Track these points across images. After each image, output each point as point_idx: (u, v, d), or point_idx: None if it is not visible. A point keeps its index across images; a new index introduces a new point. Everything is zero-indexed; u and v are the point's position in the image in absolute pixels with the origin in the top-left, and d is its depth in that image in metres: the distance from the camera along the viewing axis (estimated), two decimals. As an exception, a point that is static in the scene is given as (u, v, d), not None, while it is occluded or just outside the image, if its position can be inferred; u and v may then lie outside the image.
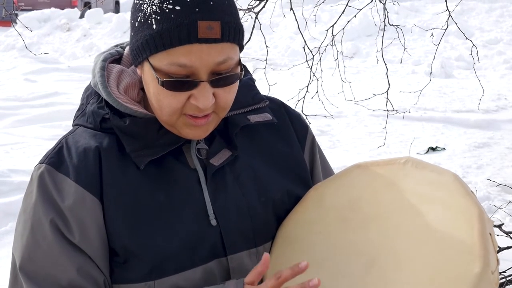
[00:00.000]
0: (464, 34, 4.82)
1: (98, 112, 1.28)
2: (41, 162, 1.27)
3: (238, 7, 1.37)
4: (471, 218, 1.13)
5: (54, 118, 7.83)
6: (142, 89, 1.31)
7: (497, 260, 1.13)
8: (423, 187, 1.23)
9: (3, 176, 5.64)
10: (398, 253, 1.17)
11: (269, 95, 1.52)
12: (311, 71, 4.51)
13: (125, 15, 14.29)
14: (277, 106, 1.44)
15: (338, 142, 7.36)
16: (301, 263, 1.15)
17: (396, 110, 5.09)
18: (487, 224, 1.13)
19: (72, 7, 17.59)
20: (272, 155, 1.38)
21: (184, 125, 1.23)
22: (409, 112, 7.33)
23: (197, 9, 1.14)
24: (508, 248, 4.09)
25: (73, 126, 1.34)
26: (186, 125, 1.22)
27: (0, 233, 4.61)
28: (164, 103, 1.19)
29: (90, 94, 1.33)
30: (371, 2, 4.67)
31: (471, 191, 1.20)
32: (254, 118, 1.35)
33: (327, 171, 1.51)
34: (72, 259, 1.21)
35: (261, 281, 1.21)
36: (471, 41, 4.71)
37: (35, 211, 1.23)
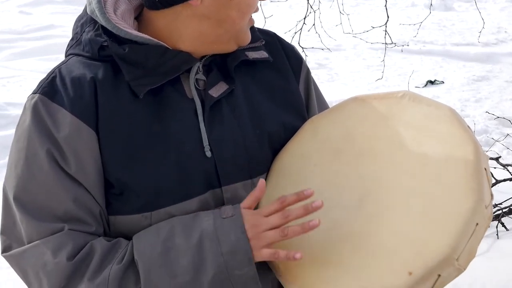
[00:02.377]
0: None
1: (95, 40, 1.26)
2: (34, 92, 1.25)
3: None
4: (466, 153, 1.12)
5: (50, 51, 7.77)
6: (136, 18, 1.30)
7: (491, 195, 1.13)
8: (419, 121, 1.22)
9: (0, 110, 5.64)
10: (391, 187, 1.17)
11: (265, 27, 1.51)
12: (308, 2, 4.45)
13: None
14: (271, 38, 1.43)
15: (336, 76, 7.32)
16: (306, 190, 1.18)
17: (395, 43, 5.05)
18: (482, 159, 1.12)
19: None
20: (268, 88, 1.38)
21: (247, 27, 1.31)
22: (408, 45, 7.26)
23: None
24: (504, 180, 4.11)
25: (66, 56, 1.32)
26: (247, 27, 1.31)
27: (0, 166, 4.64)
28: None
29: (85, 22, 1.30)
30: None
31: (468, 126, 1.19)
32: (252, 54, 1.35)
33: (322, 104, 1.51)
34: (68, 190, 1.21)
35: (256, 208, 1.23)
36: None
37: (29, 141, 1.22)
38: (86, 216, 1.23)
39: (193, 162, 1.25)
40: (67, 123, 1.21)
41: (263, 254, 1.18)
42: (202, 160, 1.26)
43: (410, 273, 1.06)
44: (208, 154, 1.26)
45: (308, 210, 1.17)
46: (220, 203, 1.27)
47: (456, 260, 1.05)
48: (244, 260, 1.16)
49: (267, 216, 1.19)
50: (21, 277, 1.24)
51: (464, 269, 1.08)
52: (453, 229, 1.06)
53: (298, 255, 1.14)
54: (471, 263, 3.31)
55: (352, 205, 1.20)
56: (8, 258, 1.25)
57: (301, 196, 1.19)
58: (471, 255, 1.09)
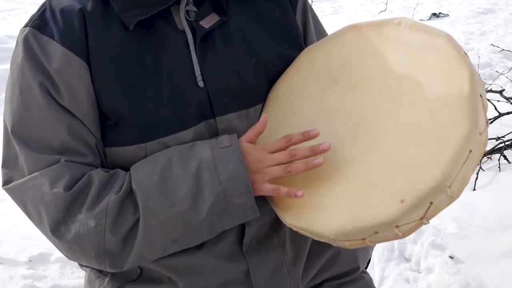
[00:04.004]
0: None
1: None
2: (25, 26, 1.25)
3: None
4: (461, 79, 1.11)
5: (50, -16, 7.66)
6: None
7: (486, 122, 1.12)
8: (415, 48, 1.20)
9: (1, 43, 5.61)
10: (386, 115, 1.16)
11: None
12: None
13: None
14: None
15: (340, 8, 7.25)
16: (312, 130, 1.19)
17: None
18: (478, 85, 1.11)
19: None
20: (263, 19, 1.36)
21: None
22: (413, -23, 7.16)
23: None
24: (508, 114, 4.11)
25: None
26: None
27: (0, 100, 4.63)
28: None
29: None
30: None
31: (465, 52, 1.18)
32: None
33: (321, 35, 1.49)
34: (62, 121, 1.21)
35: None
36: None
37: (23, 74, 1.22)
38: (82, 147, 1.23)
39: (185, 93, 1.24)
40: (58, 55, 1.20)
41: (265, 188, 1.19)
42: (195, 90, 1.25)
43: (402, 201, 1.06)
44: (201, 84, 1.25)
45: (315, 152, 1.18)
46: (214, 133, 1.27)
47: (448, 187, 1.05)
48: (242, 189, 1.16)
49: (272, 152, 1.20)
50: (22, 209, 1.26)
51: (457, 197, 1.08)
52: (445, 156, 1.05)
53: (299, 193, 1.16)
54: (472, 195, 3.36)
55: (346, 134, 1.19)
56: (8, 191, 1.26)
57: (306, 136, 1.20)
58: (464, 182, 1.08)
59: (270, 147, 1.21)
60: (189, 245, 1.24)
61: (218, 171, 1.17)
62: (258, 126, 1.22)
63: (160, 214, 1.17)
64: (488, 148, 3.94)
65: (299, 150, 1.19)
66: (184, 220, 1.18)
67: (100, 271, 1.41)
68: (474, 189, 3.61)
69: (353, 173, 1.15)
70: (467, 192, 3.54)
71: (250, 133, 1.23)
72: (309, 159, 1.18)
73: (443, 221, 3.33)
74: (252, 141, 1.23)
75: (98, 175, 1.22)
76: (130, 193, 1.19)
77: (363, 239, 1.13)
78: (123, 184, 1.20)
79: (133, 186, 1.19)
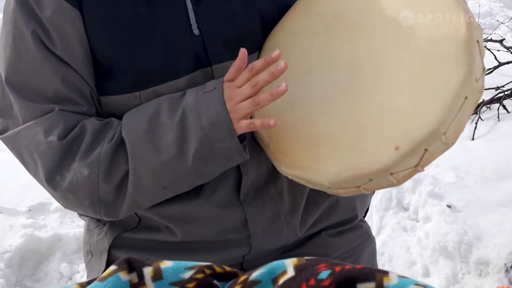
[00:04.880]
0: None
1: None
2: None
3: None
4: (458, 25, 1.09)
5: None
6: None
7: (483, 69, 1.11)
8: None
9: None
10: (382, 62, 1.15)
11: None
12: None
13: None
14: None
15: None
16: (273, 53, 1.13)
17: None
18: (474, 31, 1.09)
19: None
20: None
21: None
22: None
23: None
24: (508, 63, 4.09)
25: None
26: None
27: None
28: None
29: None
30: None
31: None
32: None
33: None
34: (56, 70, 1.20)
35: None
36: None
37: (15, 23, 1.20)
38: (76, 96, 1.22)
39: (180, 40, 1.22)
40: (49, 3, 1.18)
41: (241, 125, 1.15)
42: (190, 38, 1.23)
43: (396, 148, 1.05)
44: (196, 32, 1.23)
45: (274, 75, 1.12)
46: None
47: (443, 134, 1.04)
48: (224, 132, 1.14)
49: (240, 87, 1.16)
50: (18, 159, 1.26)
51: (452, 144, 1.07)
52: (440, 102, 1.04)
53: (272, 122, 1.12)
54: (471, 145, 3.36)
55: (342, 81, 1.18)
56: (4, 140, 1.25)
57: (268, 60, 1.14)
58: (459, 129, 1.07)
59: (238, 82, 1.16)
60: (180, 191, 1.24)
61: (200, 116, 1.14)
62: (236, 62, 1.16)
63: (148, 162, 1.17)
64: (487, 97, 3.93)
65: (259, 77, 1.14)
66: (172, 167, 1.17)
67: (99, 220, 1.42)
68: (473, 139, 3.61)
69: (348, 121, 1.14)
70: (465, 141, 3.54)
71: (230, 72, 1.18)
72: (272, 88, 1.12)
73: (441, 170, 3.34)
74: (233, 80, 1.18)
75: (91, 124, 1.21)
76: (122, 142, 1.19)
77: (358, 186, 1.12)
78: (115, 133, 1.20)
79: (123, 134, 1.18)
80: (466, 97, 1.05)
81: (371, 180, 1.09)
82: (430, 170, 3.32)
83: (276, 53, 1.13)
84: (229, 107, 1.14)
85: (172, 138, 1.16)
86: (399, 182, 1.11)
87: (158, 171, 1.18)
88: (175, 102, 1.19)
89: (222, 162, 1.18)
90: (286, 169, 1.20)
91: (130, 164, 1.17)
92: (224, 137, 1.14)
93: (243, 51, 1.15)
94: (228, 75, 1.18)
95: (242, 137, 1.19)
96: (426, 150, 1.05)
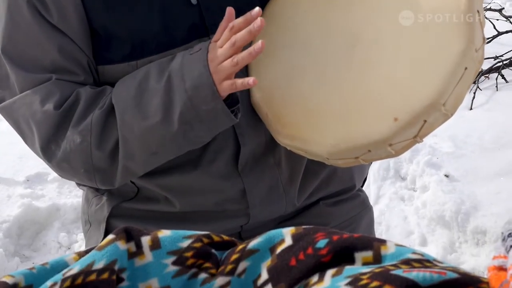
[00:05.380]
0: None
1: None
2: None
3: None
4: None
5: None
6: None
7: (483, 39, 1.10)
8: None
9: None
10: (382, 33, 1.14)
11: None
12: None
13: None
14: None
15: None
16: (253, 10, 1.09)
17: None
18: (475, 1, 1.08)
19: None
20: None
21: None
22: None
23: None
24: (506, 32, 4.07)
25: None
26: None
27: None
28: None
29: None
30: None
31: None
32: None
33: None
34: (52, 40, 1.19)
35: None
36: None
37: None
38: (73, 66, 1.21)
39: (178, 10, 1.21)
40: None
41: (224, 87, 1.12)
42: (187, 8, 1.22)
43: (395, 119, 1.05)
44: (194, 1, 1.22)
45: (251, 33, 1.08)
46: None
47: (442, 105, 1.03)
48: (208, 94, 1.11)
49: (221, 47, 1.12)
50: (14, 129, 1.25)
51: (451, 115, 1.07)
52: (440, 73, 1.04)
53: (251, 81, 1.09)
54: (469, 114, 3.36)
55: (341, 52, 1.17)
56: (0, 110, 1.25)
57: (248, 18, 1.09)
58: (459, 100, 1.07)
59: (220, 42, 1.13)
60: (171, 156, 1.23)
61: (185, 79, 1.13)
62: (223, 22, 1.13)
63: (135, 128, 1.16)
64: (486, 67, 3.92)
65: (238, 36, 1.10)
66: (158, 132, 1.16)
67: (97, 190, 1.42)
68: (471, 108, 3.61)
69: (347, 92, 1.14)
70: (463, 111, 3.54)
71: (217, 32, 1.15)
72: (250, 47, 1.09)
73: (439, 140, 3.34)
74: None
75: (85, 92, 1.20)
76: (113, 108, 1.18)
77: (356, 157, 1.12)
78: (107, 100, 1.19)
79: (113, 100, 1.17)
80: (466, 68, 1.04)
81: (369, 151, 1.09)
82: (428, 140, 3.32)
83: (256, 10, 1.09)
84: (212, 68, 1.11)
85: (158, 103, 1.14)
86: (398, 153, 1.10)
87: (145, 136, 1.16)
88: (163, 66, 1.17)
89: (209, 125, 1.16)
90: (284, 140, 1.20)
91: (119, 130, 1.17)
92: (207, 99, 1.12)
93: (229, 10, 1.12)
94: (216, 36, 1.14)
95: (235, 101, 1.18)
96: (425, 121, 1.05)
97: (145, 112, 1.15)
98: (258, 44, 1.07)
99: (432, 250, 2.75)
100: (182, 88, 1.13)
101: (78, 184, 1.45)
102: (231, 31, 1.11)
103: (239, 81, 1.10)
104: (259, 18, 1.08)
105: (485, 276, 0.65)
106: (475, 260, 2.68)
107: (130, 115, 1.16)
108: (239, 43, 1.10)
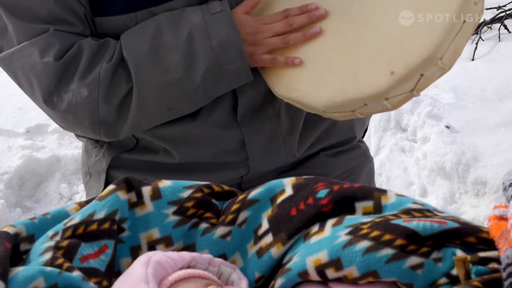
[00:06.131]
0: None
1: None
2: None
3: None
4: None
5: None
6: None
7: None
8: None
9: None
10: None
11: None
12: None
13: None
14: None
15: None
16: (310, 4, 1.18)
17: None
18: None
19: None
20: None
21: None
22: None
23: None
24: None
25: None
26: None
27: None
28: None
29: None
30: None
31: None
32: None
33: None
34: None
35: None
36: None
37: None
38: (70, 16, 1.20)
39: None
40: None
41: (263, 59, 1.19)
42: None
43: (392, 73, 1.04)
44: None
45: (312, 19, 1.17)
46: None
47: (439, 59, 1.02)
48: (235, 54, 1.16)
49: (267, 24, 1.19)
50: (13, 80, 1.24)
51: (449, 69, 1.06)
52: (437, 26, 1.02)
53: (297, 60, 1.16)
54: (471, 65, 3.33)
55: (339, 5, 1.17)
56: None
57: (303, 9, 1.18)
58: (456, 54, 1.06)
59: (267, 19, 1.19)
60: (184, 113, 1.24)
61: (210, 37, 1.15)
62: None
63: (153, 82, 1.16)
64: (489, 17, 3.88)
65: (296, 18, 1.18)
66: (179, 87, 1.17)
67: (96, 141, 1.42)
68: (473, 59, 3.58)
69: (344, 45, 1.13)
70: (465, 62, 3.51)
71: (246, 4, 1.20)
72: (306, 30, 1.16)
73: (441, 91, 3.33)
74: (248, 13, 1.21)
75: (88, 43, 1.19)
76: (122, 62, 1.18)
77: (353, 111, 1.12)
78: (114, 53, 1.18)
79: (125, 55, 1.17)
80: (464, 21, 1.03)
81: (366, 104, 1.09)
82: (429, 91, 3.31)
83: (312, 5, 1.18)
84: (255, 40, 1.18)
85: (179, 58, 1.15)
86: (395, 107, 1.10)
87: (163, 91, 1.17)
88: (176, 21, 1.17)
89: (230, 83, 1.19)
90: (280, 92, 1.19)
91: (135, 84, 1.16)
92: (234, 59, 1.16)
93: None
94: (243, 8, 1.20)
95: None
96: (422, 75, 1.04)
97: (165, 67, 1.15)
98: (316, 29, 1.16)
99: (432, 201, 2.76)
100: (209, 46, 1.14)
101: (77, 136, 1.45)
102: (285, 14, 1.20)
103: (282, 58, 1.18)
104: (324, 9, 1.18)
105: (485, 226, 0.65)
106: (474, 211, 2.70)
107: (147, 69, 1.16)
108: (296, 25, 1.18)
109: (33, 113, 3.31)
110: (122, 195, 0.78)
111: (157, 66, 1.15)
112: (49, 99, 1.19)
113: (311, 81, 1.15)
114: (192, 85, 1.17)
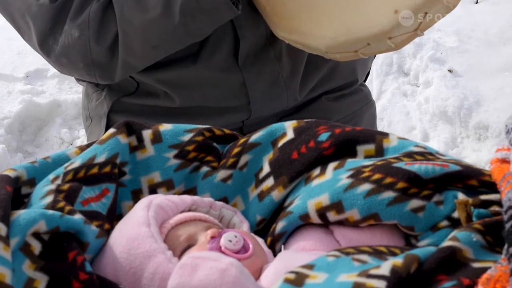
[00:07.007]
0: None
1: None
2: None
3: None
4: None
5: None
6: None
7: None
8: None
9: None
10: None
11: None
12: None
13: None
14: None
15: None
16: None
17: None
18: None
19: None
20: None
21: None
22: None
23: None
24: None
25: None
26: None
27: None
28: None
29: None
30: None
31: None
32: None
33: None
34: None
35: None
36: None
37: None
38: None
39: None
40: None
41: None
42: None
43: (395, 11, 1.02)
44: None
45: None
46: None
47: None
48: None
49: None
50: (10, 23, 1.24)
51: (454, 7, 1.04)
52: None
53: None
54: (474, 8, 3.28)
55: None
56: None
57: None
58: None
59: None
60: (171, 50, 1.22)
61: None
62: None
63: (135, 21, 1.14)
64: (494, -42, 3.82)
65: None
66: (159, 24, 1.15)
67: (97, 85, 1.41)
68: (477, 2, 3.54)
69: None
70: (469, 5, 3.47)
71: None
72: None
73: (444, 34, 3.30)
74: None
75: None
76: (110, 3, 1.16)
77: (356, 51, 1.10)
78: None
79: None
80: None
81: (369, 44, 1.07)
82: (432, 34, 3.27)
83: None
84: None
85: None
86: (398, 47, 1.08)
87: (145, 29, 1.15)
88: None
89: (210, 17, 1.15)
90: (282, 33, 1.18)
91: (119, 25, 1.15)
92: None
93: None
94: None
95: None
96: (426, 13, 1.02)
97: (145, 5, 1.13)
98: None
99: (434, 145, 2.76)
100: None
101: (78, 80, 1.44)
102: None
103: None
104: None
105: (487, 169, 0.65)
106: (476, 155, 2.70)
107: (129, 9, 1.14)
108: None
109: (32, 58, 3.29)
110: (123, 139, 0.78)
111: (138, 4, 1.14)
112: (44, 41, 1.18)
113: (313, 21, 1.13)
114: (172, 22, 1.13)
